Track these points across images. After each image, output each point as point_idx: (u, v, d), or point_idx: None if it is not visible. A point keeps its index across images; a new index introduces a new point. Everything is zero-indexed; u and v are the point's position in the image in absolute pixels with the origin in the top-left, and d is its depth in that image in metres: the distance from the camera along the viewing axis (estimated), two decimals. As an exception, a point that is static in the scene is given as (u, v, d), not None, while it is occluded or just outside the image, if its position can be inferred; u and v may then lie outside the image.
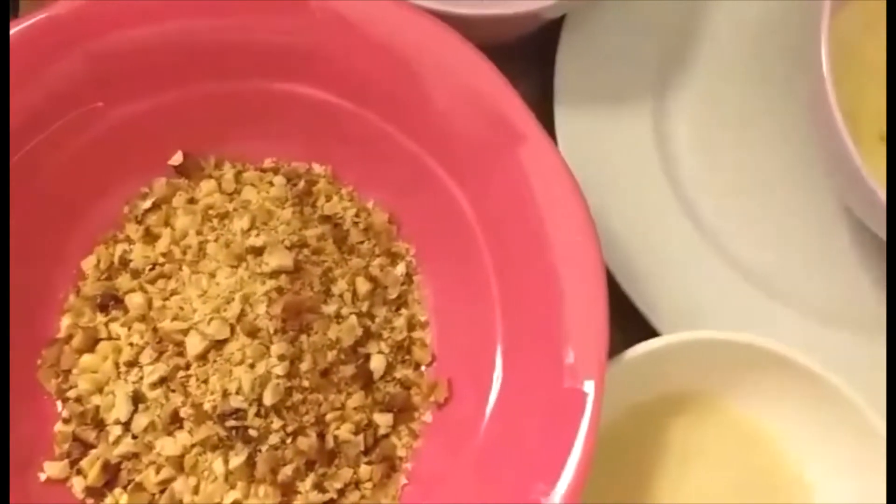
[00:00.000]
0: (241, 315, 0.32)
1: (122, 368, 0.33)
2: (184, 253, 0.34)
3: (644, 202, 0.39)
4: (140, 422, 0.32)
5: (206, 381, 0.31)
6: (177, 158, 0.36)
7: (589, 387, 0.29)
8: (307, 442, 0.31)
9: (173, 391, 0.32)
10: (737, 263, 0.40)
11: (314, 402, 0.32)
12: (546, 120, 0.40)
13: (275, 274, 0.32)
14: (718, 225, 0.40)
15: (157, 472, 0.31)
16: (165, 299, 0.33)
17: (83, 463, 0.32)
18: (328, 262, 0.34)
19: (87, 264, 0.35)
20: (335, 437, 0.32)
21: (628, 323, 0.38)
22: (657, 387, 0.35)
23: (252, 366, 0.31)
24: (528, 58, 0.42)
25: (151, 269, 0.34)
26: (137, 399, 0.32)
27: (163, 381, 0.32)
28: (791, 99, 0.42)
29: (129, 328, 0.33)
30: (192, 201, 0.35)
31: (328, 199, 0.36)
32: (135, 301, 0.33)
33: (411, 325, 0.35)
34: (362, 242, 0.36)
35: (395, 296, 0.35)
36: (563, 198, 0.32)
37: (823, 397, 0.32)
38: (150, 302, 0.33)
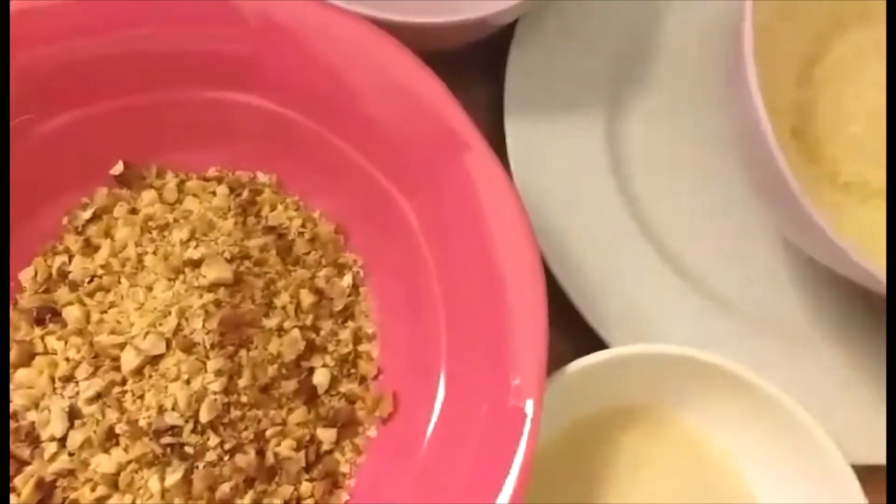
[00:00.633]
0: (177, 329, 0.31)
1: (58, 384, 0.32)
2: (123, 265, 0.33)
3: (595, 214, 0.39)
4: (76, 438, 0.31)
5: (141, 397, 0.31)
6: (117, 168, 0.35)
7: (529, 406, 0.29)
8: (246, 459, 0.31)
9: (109, 407, 0.31)
10: (688, 277, 0.39)
11: (253, 418, 0.31)
12: (498, 131, 0.39)
13: (213, 287, 0.32)
14: (670, 239, 0.40)
15: (93, 489, 0.31)
16: (103, 312, 0.32)
17: (17, 480, 0.31)
18: (271, 273, 0.34)
19: (25, 276, 0.34)
20: (276, 454, 0.32)
21: (580, 335, 0.37)
22: (605, 399, 0.35)
23: (188, 381, 0.30)
24: (482, 64, 0.41)
25: (90, 282, 0.33)
26: (73, 415, 0.31)
27: (99, 396, 0.31)
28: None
29: (66, 342, 0.32)
30: (133, 212, 0.35)
31: (273, 208, 0.36)
32: (73, 314, 0.32)
33: (357, 338, 0.35)
34: (308, 253, 0.35)
35: (340, 308, 0.35)
36: (506, 211, 0.31)
37: (767, 409, 0.32)
38: (87, 315, 0.33)
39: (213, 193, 0.35)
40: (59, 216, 0.35)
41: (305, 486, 0.32)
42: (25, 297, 0.34)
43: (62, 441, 0.31)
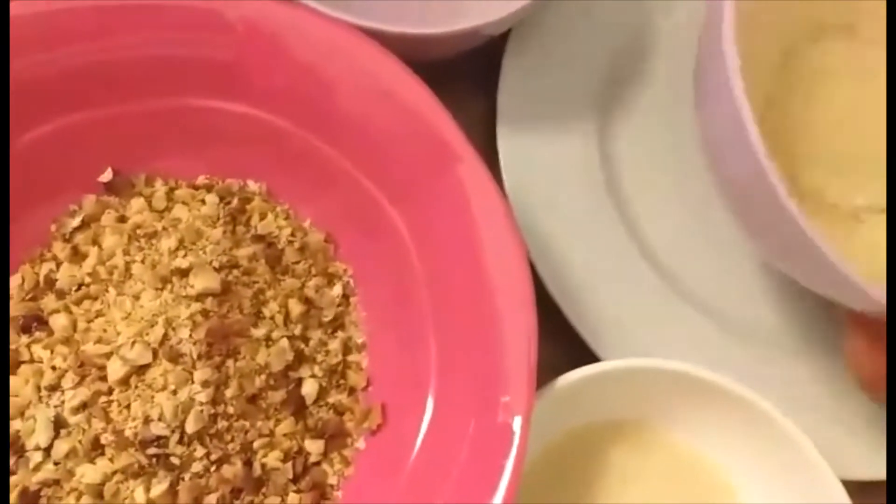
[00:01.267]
0: (164, 339, 0.31)
1: (44, 392, 0.32)
2: (110, 273, 0.33)
3: (588, 224, 0.39)
4: (61, 448, 0.31)
5: (127, 407, 0.31)
6: (106, 175, 0.35)
7: (517, 423, 0.29)
8: (232, 470, 0.31)
9: (95, 417, 0.31)
10: (683, 292, 0.39)
11: (240, 428, 0.31)
12: (490, 142, 0.39)
13: (200, 297, 0.32)
14: (664, 254, 0.40)
15: (78, 499, 0.30)
16: (90, 321, 0.32)
17: (0, 490, 0.31)
18: (260, 282, 0.33)
19: (12, 283, 0.34)
20: (263, 465, 0.32)
21: (570, 344, 0.37)
22: (595, 412, 0.34)
23: (174, 392, 0.30)
24: (474, 76, 0.41)
25: (77, 290, 0.33)
26: (59, 424, 0.31)
27: (84, 406, 0.31)
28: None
29: (52, 351, 0.32)
30: (121, 219, 0.34)
31: (263, 217, 0.35)
32: (59, 322, 0.32)
33: (347, 348, 0.35)
34: (298, 262, 0.35)
35: (330, 318, 0.35)
36: (497, 223, 0.31)
37: (758, 424, 0.32)
38: (74, 324, 0.32)
39: (203, 202, 0.35)
40: (46, 223, 0.35)
41: (293, 498, 0.32)
42: (12, 305, 0.33)
43: (47, 450, 0.31)
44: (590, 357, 0.37)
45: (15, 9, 0.30)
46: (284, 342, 0.33)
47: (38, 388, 0.32)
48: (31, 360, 0.32)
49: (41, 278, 0.34)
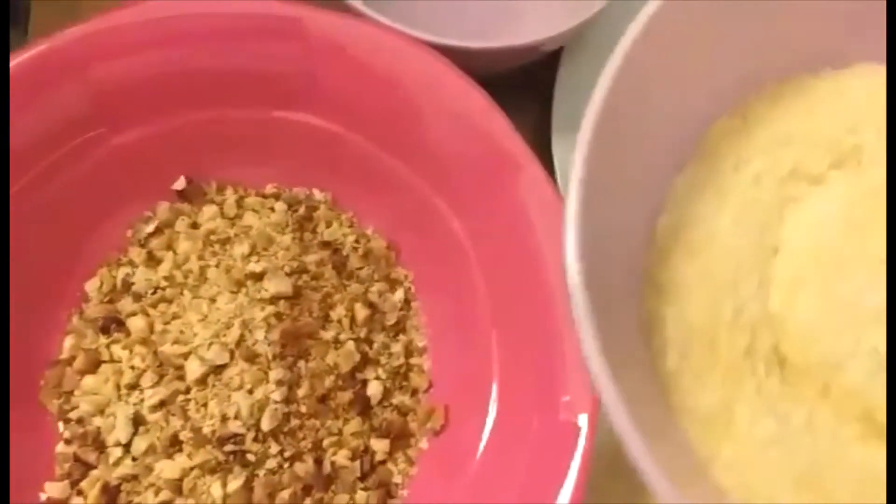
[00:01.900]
0: (241, 340, 0.32)
1: (123, 391, 0.33)
2: (185, 277, 0.34)
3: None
4: (140, 444, 0.32)
5: (205, 406, 0.32)
6: (180, 183, 0.36)
7: (583, 420, 0.29)
8: (304, 467, 0.32)
9: (173, 415, 0.32)
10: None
11: (311, 427, 0.32)
12: (545, 151, 0.40)
13: (274, 300, 0.33)
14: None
15: (156, 494, 0.32)
16: (167, 323, 0.34)
17: (83, 484, 0.32)
18: (327, 287, 0.35)
19: (91, 287, 0.35)
20: (332, 463, 0.33)
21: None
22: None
23: (250, 391, 0.32)
24: (529, 88, 0.42)
25: (153, 293, 0.34)
26: (138, 421, 0.32)
27: (163, 404, 0.32)
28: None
29: (131, 351, 0.33)
30: (194, 226, 0.36)
31: (328, 225, 0.37)
32: (136, 324, 0.34)
33: (409, 351, 0.36)
34: (361, 268, 0.36)
35: (393, 322, 0.36)
36: (557, 231, 0.32)
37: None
38: (151, 325, 0.34)
39: (272, 209, 0.36)
40: (123, 229, 0.36)
41: (360, 495, 0.33)
42: (91, 307, 0.35)
43: (127, 447, 0.32)
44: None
45: (118, 18, 0.32)
46: (351, 344, 0.34)
47: (118, 387, 0.33)
48: (111, 360, 0.34)
49: (118, 282, 0.35)
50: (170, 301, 0.34)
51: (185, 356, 0.32)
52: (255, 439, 0.31)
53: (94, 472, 0.32)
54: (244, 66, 0.34)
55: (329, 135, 0.36)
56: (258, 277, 0.33)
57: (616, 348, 0.25)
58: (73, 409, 0.33)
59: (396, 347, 0.35)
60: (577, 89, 0.41)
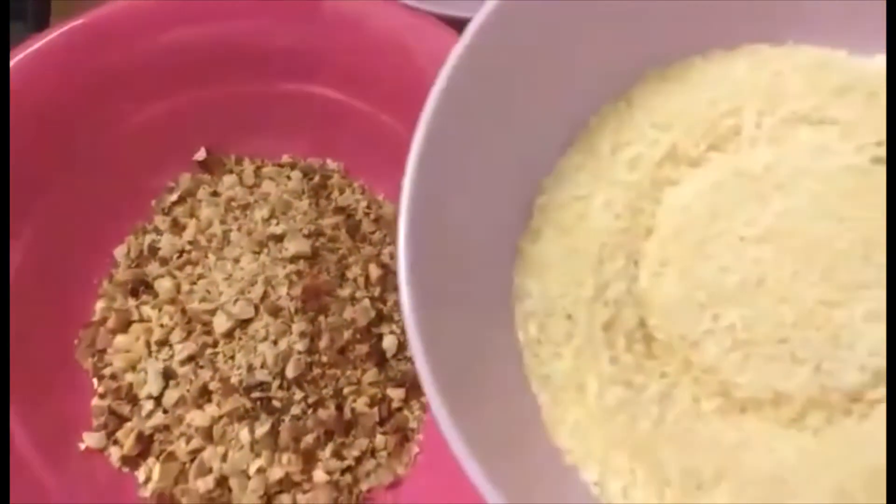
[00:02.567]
0: (265, 296, 0.34)
1: (154, 347, 0.35)
2: (209, 241, 0.36)
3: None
4: (171, 396, 0.34)
5: (232, 357, 0.34)
6: (200, 154, 0.39)
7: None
8: (326, 413, 0.34)
9: (202, 367, 0.34)
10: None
11: (332, 376, 0.34)
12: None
13: (294, 259, 0.35)
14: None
15: (188, 442, 0.34)
16: (193, 283, 0.36)
17: (119, 434, 0.34)
18: (342, 249, 0.37)
19: (119, 253, 0.38)
20: (352, 410, 0.35)
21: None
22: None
23: (275, 342, 0.34)
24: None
25: (179, 257, 0.37)
26: (168, 375, 0.35)
27: (191, 358, 0.34)
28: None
29: (160, 310, 0.36)
30: (215, 194, 0.38)
31: (342, 192, 0.39)
32: (164, 286, 0.36)
33: (420, 308, 0.38)
34: (373, 232, 0.39)
35: (404, 281, 0.38)
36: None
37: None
38: (178, 286, 0.36)
39: (288, 178, 0.38)
40: (147, 199, 0.38)
41: (380, 439, 0.35)
42: (120, 272, 0.37)
43: (158, 399, 0.35)
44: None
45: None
46: (367, 301, 0.36)
47: (148, 344, 0.35)
48: (141, 320, 0.36)
49: (145, 247, 0.37)
50: (195, 263, 0.36)
51: (212, 312, 0.35)
52: (280, 387, 0.34)
53: (129, 424, 0.35)
54: (262, 42, 0.36)
55: (341, 106, 0.38)
56: (279, 239, 0.36)
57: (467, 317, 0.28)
58: (106, 365, 0.36)
59: (408, 305, 0.38)
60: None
